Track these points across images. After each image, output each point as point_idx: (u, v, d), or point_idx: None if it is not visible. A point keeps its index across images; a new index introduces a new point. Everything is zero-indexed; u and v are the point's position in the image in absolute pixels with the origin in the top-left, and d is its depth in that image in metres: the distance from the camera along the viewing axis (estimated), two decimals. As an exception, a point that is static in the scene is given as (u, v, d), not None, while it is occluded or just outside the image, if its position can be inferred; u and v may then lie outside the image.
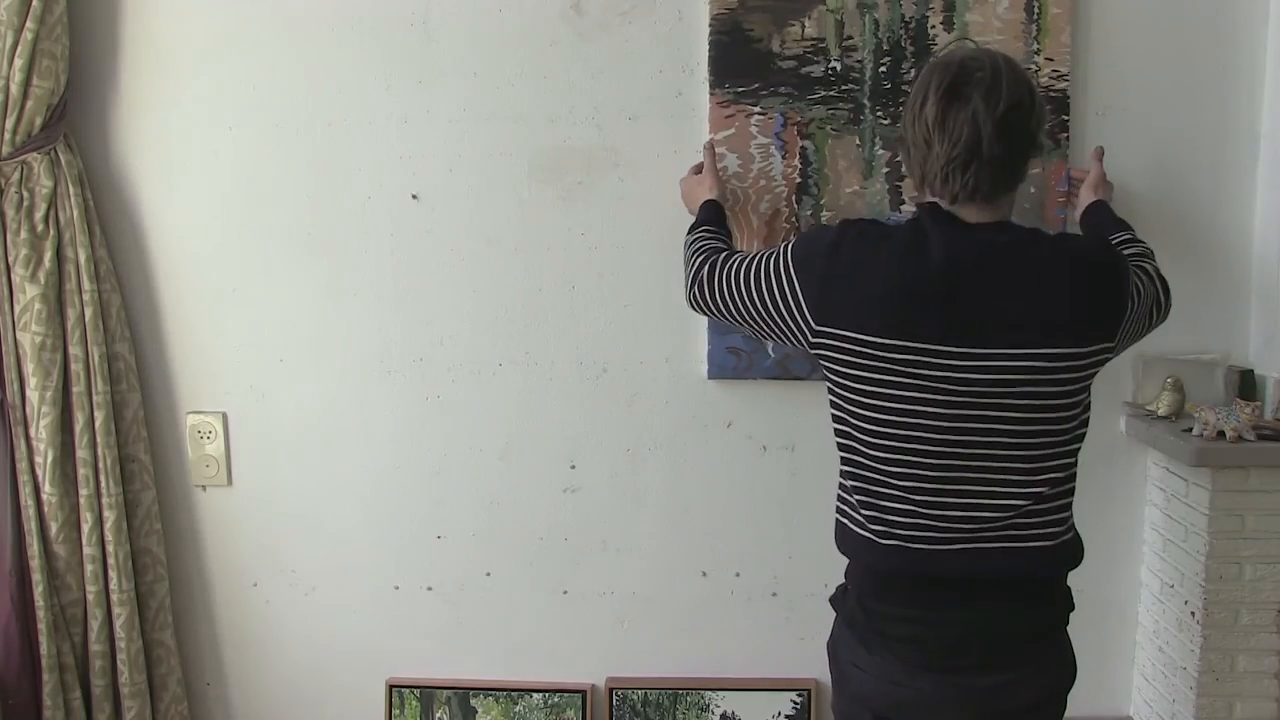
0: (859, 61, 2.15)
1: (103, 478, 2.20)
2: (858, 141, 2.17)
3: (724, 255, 1.71)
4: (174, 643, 2.35)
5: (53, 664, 2.19)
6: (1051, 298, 1.47)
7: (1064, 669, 1.57)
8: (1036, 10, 2.12)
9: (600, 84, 2.21)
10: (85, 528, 2.21)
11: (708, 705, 2.33)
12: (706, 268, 1.70)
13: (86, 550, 2.21)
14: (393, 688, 2.38)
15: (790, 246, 1.55)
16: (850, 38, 2.15)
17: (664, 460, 2.30)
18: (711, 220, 1.90)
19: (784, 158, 2.18)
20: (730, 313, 1.67)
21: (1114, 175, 2.18)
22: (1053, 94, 2.13)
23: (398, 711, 2.38)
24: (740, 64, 2.16)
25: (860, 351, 1.46)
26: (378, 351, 2.31)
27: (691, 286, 1.75)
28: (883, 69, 2.15)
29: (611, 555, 2.35)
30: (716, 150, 2.15)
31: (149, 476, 2.30)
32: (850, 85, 2.16)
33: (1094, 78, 2.16)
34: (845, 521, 1.58)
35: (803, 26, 2.15)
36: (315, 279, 2.30)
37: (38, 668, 2.19)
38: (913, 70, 2.14)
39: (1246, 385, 2.12)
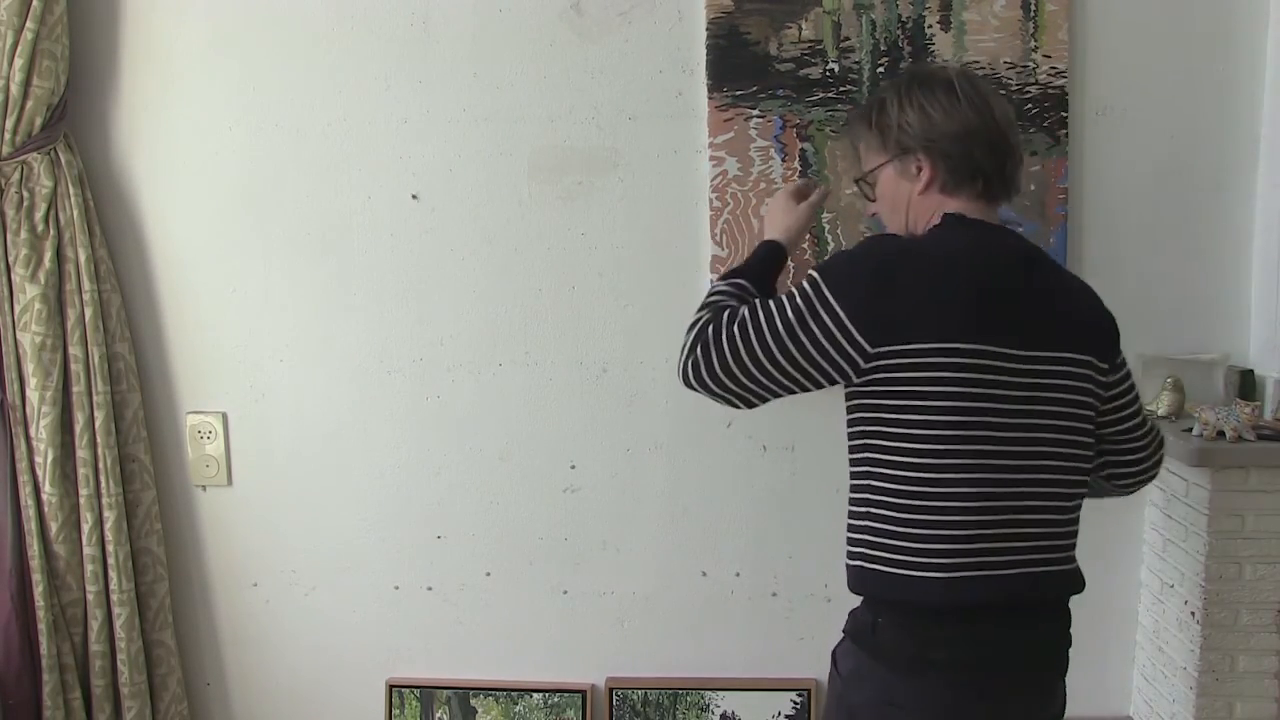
0: (857, 63, 2.15)
1: (103, 478, 2.21)
2: (857, 141, 2.17)
3: (729, 313, 1.44)
4: (174, 643, 2.36)
5: (53, 664, 2.19)
6: (1087, 304, 1.51)
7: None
8: (1034, 8, 2.12)
9: (600, 84, 2.21)
10: (85, 528, 2.21)
11: (708, 705, 2.33)
12: (710, 330, 1.43)
13: (86, 550, 2.22)
14: (393, 688, 2.38)
15: (819, 277, 1.40)
16: (847, 39, 2.15)
17: (664, 460, 2.30)
18: (753, 274, 1.59)
19: (783, 160, 2.18)
20: (745, 378, 1.41)
21: (1113, 175, 2.18)
22: (1050, 91, 2.13)
23: (398, 711, 2.38)
24: (738, 67, 2.16)
25: (932, 363, 1.34)
26: (378, 351, 2.31)
27: (689, 355, 1.45)
28: (881, 70, 2.15)
29: (611, 555, 2.35)
30: (714, 155, 2.15)
31: (149, 476, 2.31)
32: (848, 87, 2.16)
33: (1092, 76, 2.16)
34: (880, 568, 1.40)
35: (800, 29, 2.15)
36: (315, 279, 2.30)
37: (38, 668, 2.19)
38: (912, 70, 2.14)
39: (1246, 385, 2.12)
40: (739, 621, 2.35)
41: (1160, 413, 2.14)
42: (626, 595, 2.36)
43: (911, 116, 1.46)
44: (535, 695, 2.35)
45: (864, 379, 1.39)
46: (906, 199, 1.50)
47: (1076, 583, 1.47)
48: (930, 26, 2.14)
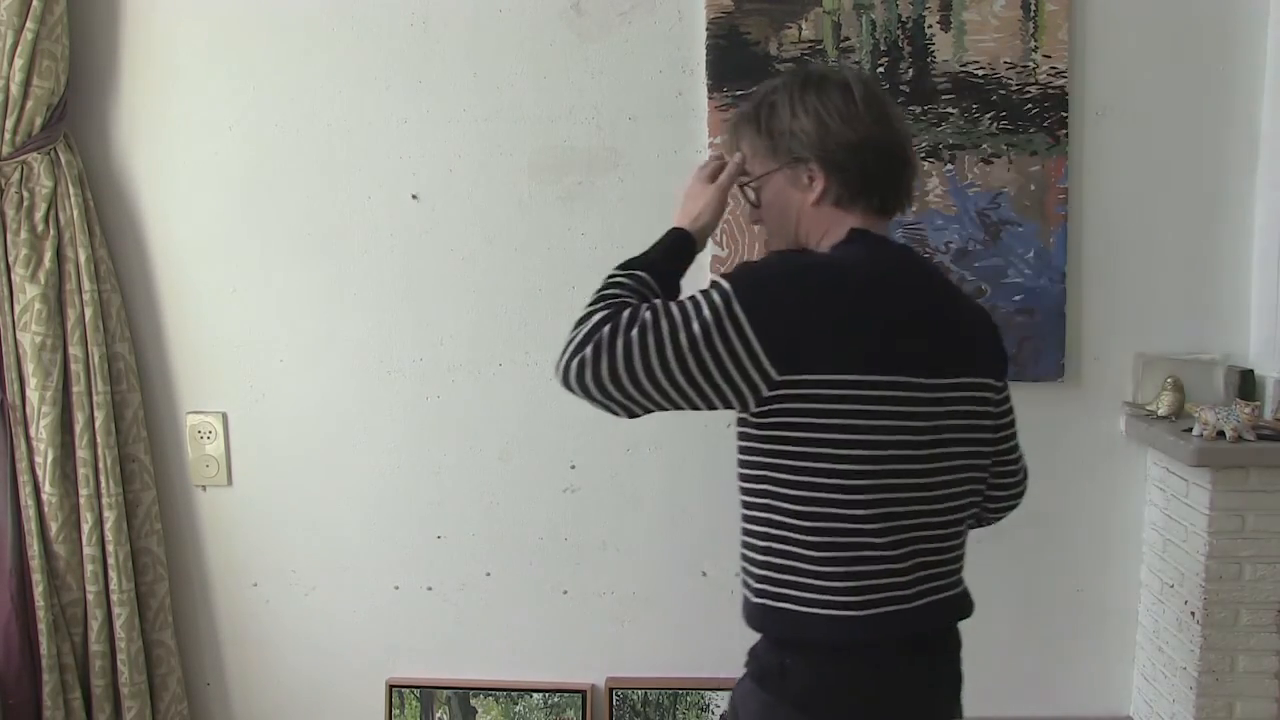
0: (857, 63, 2.15)
1: (103, 478, 2.21)
2: (857, 141, 2.17)
3: (630, 313, 1.26)
4: (174, 643, 2.36)
5: (53, 664, 2.19)
6: (983, 323, 1.45)
7: None
8: (1034, 8, 2.12)
9: (600, 84, 2.21)
10: (85, 528, 2.21)
11: (708, 705, 2.33)
12: (606, 330, 1.25)
13: (86, 550, 2.22)
14: (393, 688, 2.38)
15: (730, 289, 1.25)
16: (847, 39, 2.15)
17: (664, 460, 2.30)
18: (657, 267, 1.39)
19: (783, 158, 2.17)
20: (634, 388, 1.24)
21: (1113, 174, 2.18)
22: (1050, 91, 2.13)
23: (398, 711, 2.38)
24: (738, 67, 2.16)
25: (843, 395, 1.24)
26: (378, 351, 2.31)
27: (575, 353, 1.25)
28: (880, 70, 2.15)
29: (611, 555, 2.35)
30: (714, 155, 2.14)
31: (149, 476, 2.31)
32: (849, 85, 2.16)
33: (1092, 76, 2.16)
34: (791, 606, 1.30)
35: (800, 29, 2.15)
36: (315, 279, 2.30)
37: (38, 668, 2.19)
38: (910, 70, 2.14)
39: (1246, 385, 2.12)
40: (739, 621, 2.33)
41: (1160, 413, 2.14)
42: (626, 595, 2.36)
43: (806, 123, 1.35)
44: (535, 695, 2.35)
45: (764, 408, 1.26)
46: (796, 211, 1.39)
47: (968, 607, 1.40)
48: (930, 26, 2.14)
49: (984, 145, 2.16)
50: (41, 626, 2.18)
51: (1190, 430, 2.02)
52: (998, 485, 1.51)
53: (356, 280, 2.29)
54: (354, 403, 2.33)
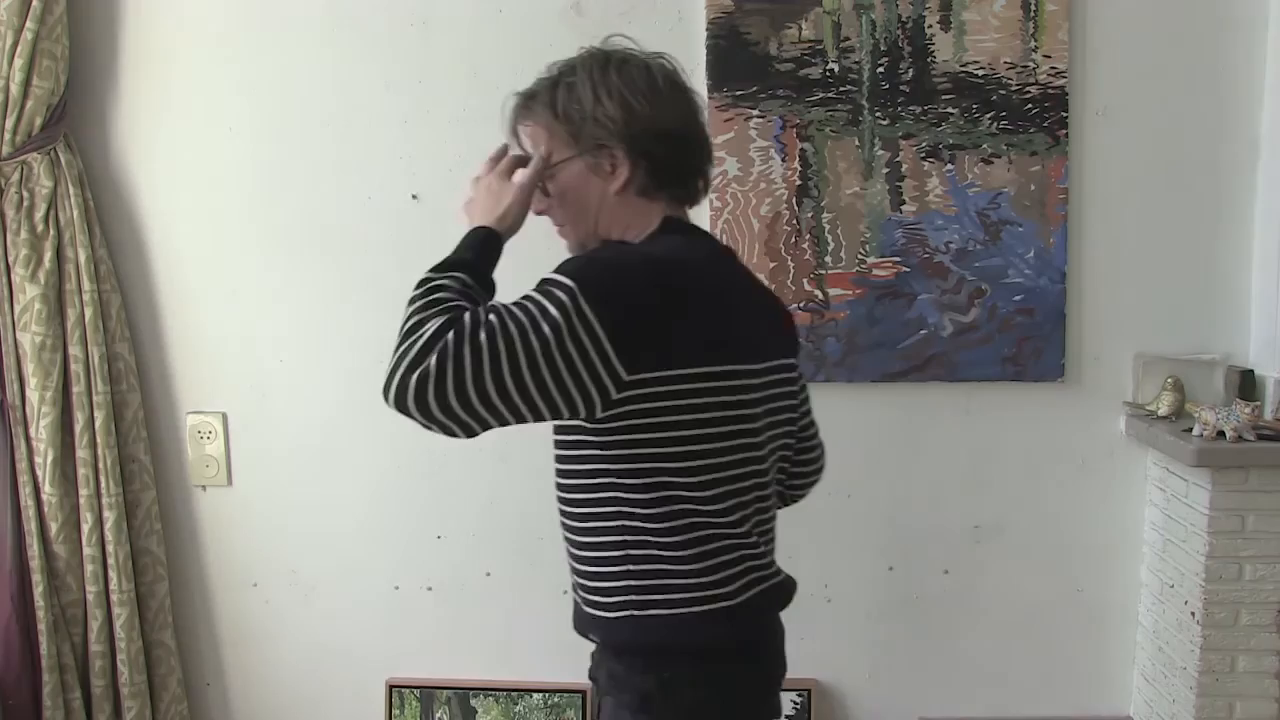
0: (857, 63, 2.15)
1: (103, 478, 2.21)
2: (857, 143, 2.17)
3: (471, 319, 1.14)
4: (174, 643, 2.36)
5: (53, 664, 2.19)
6: (778, 304, 1.48)
7: None
8: (1034, 8, 2.12)
9: (600, 84, 2.21)
10: (85, 528, 2.21)
11: (707, 705, 2.32)
12: (451, 340, 1.12)
13: (86, 550, 2.22)
14: (393, 688, 2.38)
15: (576, 287, 1.15)
16: (847, 39, 2.15)
17: (664, 460, 2.30)
18: (475, 268, 1.28)
19: (784, 160, 2.18)
20: (481, 403, 1.12)
21: (1113, 174, 2.18)
22: (1050, 91, 2.13)
23: (398, 711, 2.38)
24: (738, 67, 2.16)
25: (691, 389, 1.21)
26: (378, 351, 2.28)
27: (415, 368, 1.12)
28: (880, 70, 2.15)
29: (611, 555, 2.34)
30: (714, 155, 2.14)
31: (149, 477, 2.31)
32: (848, 87, 2.16)
33: (1092, 76, 2.16)
34: (661, 611, 1.25)
35: (800, 29, 2.15)
36: (315, 279, 2.30)
37: (38, 668, 2.19)
38: (910, 70, 2.14)
39: (1246, 385, 2.12)
40: (739, 621, 2.34)
41: (1160, 413, 2.14)
42: (626, 595, 2.35)
43: (611, 108, 1.27)
44: (535, 695, 2.35)
45: (609, 412, 1.19)
46: (597, 200, 1.32)
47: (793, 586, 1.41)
48: (930, 26, 2.14)
49: (984, 145, 2.16)
50: (41, 627, 2.18)
51: (1190, 430, 2.02)
52: (802, 462, 1.53)
53: (357, 280, 2.29)
54: (354, 403, 2.33)
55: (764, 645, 1.36)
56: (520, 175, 1.34)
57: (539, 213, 1.38)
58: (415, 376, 1.11)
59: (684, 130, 1.32)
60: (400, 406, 1.13)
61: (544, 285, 1.17)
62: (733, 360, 1.25)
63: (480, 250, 1.30)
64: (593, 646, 1.38)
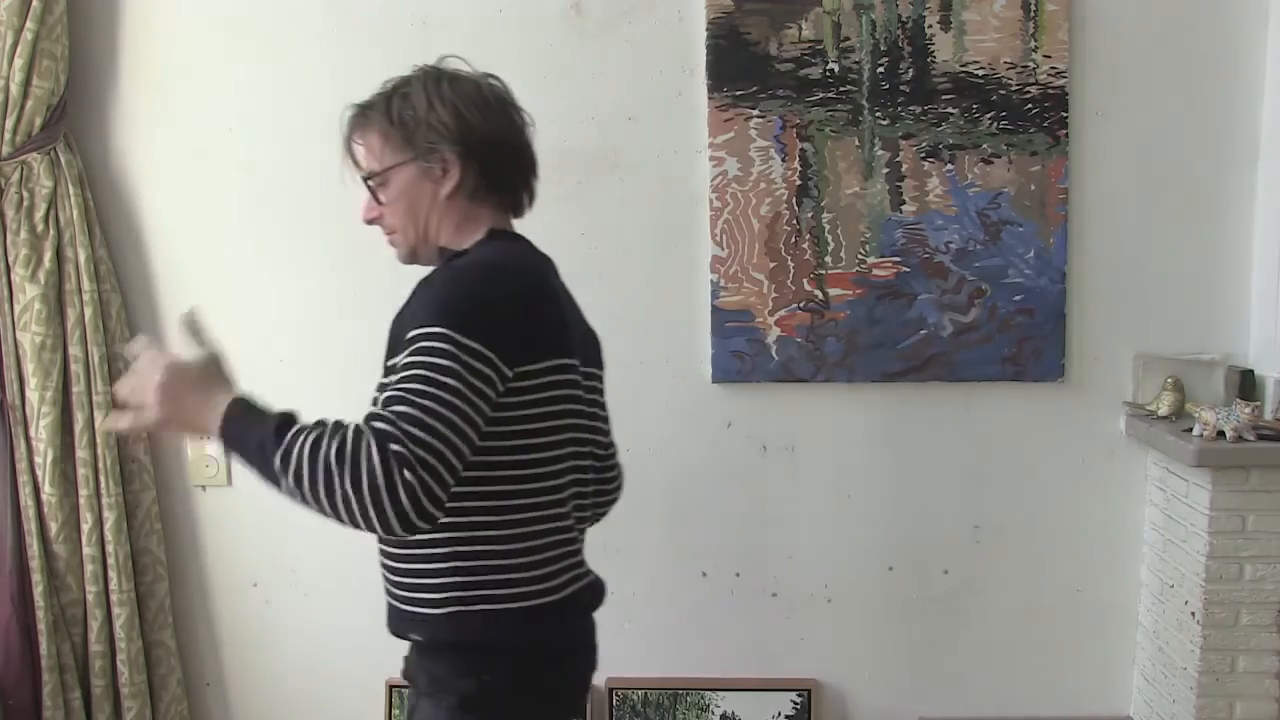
0: (857, 63, 2.15)
1: (103, 478, 2.20)
2: (857, 143, 2.17)
3: (388, 425, 1.14)
4: (174, 643, 2.35)
5: (53, 664, 2.19)
6: (583, 316, 1.52)
7: None
8: (1034, 8, 2.12)
9: (600, 84, 2.21)
10: (85, 528, 2.21)
11: (708, 705, 2.33)
12: (403, 449, 1.12)
13: (86, 550, 2.22)
14: (393, 688, 2.38)
15: (449, 331, 1.19)
16: (847, 39, 2.15)
17: (664, 460, 2.30)
18: (283, 418, 1.27)
19: (784, 160, 2.18)
20: (462, 463, 1.17)
21: (1113, 174, 2.18)
22: (1050, 91, 2.13)
23: (397, 711, 2.38)
24: (738, 67, 2.16)
25: (537, 384, 1.28)
26: (378, 351, 2.30)
27: (399, 488, 1.11)
28: (880, 70, 2.15)
29: (611, 555, 2.33)
30: (714, 155, 2.16)
31: (149, 477, 2.30)
32: (848, 87, 2.16)
33: (1092, 76, 2.16)
34: (489, 606, 1.28)
35: (800, 29, 2.15)
36: (315, 279, 2.30)
37: (38, 668, 2.19)
38: (910, 70, 2.14)
39: (1246, 385, 2.12)
40: (739, 621, 2.35)
41: (1160, 413, 2.14)
42: (626, 595, 2.35)
43: (444, 114, 1.34)
44: (535, 695, 2.35)
45: (501, 403, 1.25)
46: (429, 203, 1.38)
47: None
48: (930, 26, 2.14)
49: (984, 145, 2.16)
50: (41, 627, 2.18)
51: (1190, 430, 2.02)
52: (605, 480, 1.55)
53: (356, 280, 2.29)
54: (354, 403, 2.32)
55: (580, 645, 1.42)
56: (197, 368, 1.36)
57: (370, 221, 1.45)
58: (404, 494, 1.11)
59: (512, 141, 1.40)
60: (407, 526, 1.13)
61: (418, 345, 1.20)
62: (571, 355, 1.34)
63: (257, 418, 1.28)
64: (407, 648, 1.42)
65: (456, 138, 1.34)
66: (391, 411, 1.15)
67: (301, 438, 1.16)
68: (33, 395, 2.16)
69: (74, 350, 2.18)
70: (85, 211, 2.18)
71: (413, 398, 1.15)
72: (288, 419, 1.23)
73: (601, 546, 2.32)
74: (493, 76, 1.44)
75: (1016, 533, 2.29)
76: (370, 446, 1.11)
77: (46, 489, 2.18)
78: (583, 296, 2.27)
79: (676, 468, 2.30)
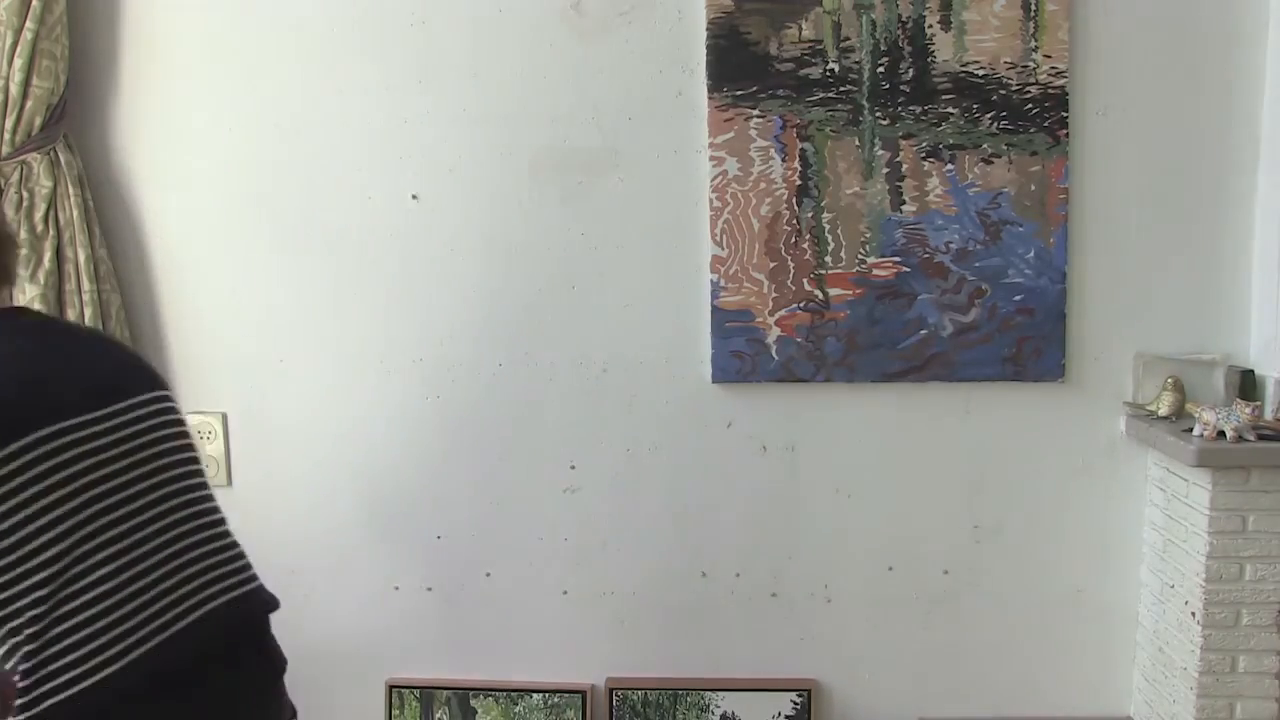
0: (857, 63, 2.15)
1: (103, 478, 2.20)
2: (857, 143, 2.17)
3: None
4: (174, 643, 2.35)
5: (53, 664, 2.19)
6: (115, 351, 1.53)
7: None
8: (1034, 8, 2.12)
9: (600, 84, 2.21)
10: (85, 528, 2.21)
11: (708, 705, 2.33)
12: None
13: (86, 550, 2.21)
14: (393, 688, 2.38)
15: None
16: (848, 39, 2.15)
17: (664, 460, 2.30)
18: None
19: (784, 160, 2.18)
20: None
21: (1113, 174, 2.18)
22: (1050, 91, 2.13)
23: (398, 711, 2.38)
24: (738, 67, 2.16)
25: (28, 461, 1.23)
26: (378, 351, 2.31)
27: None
28: (881, 70, 2.15)
29: (611, 555, 2.35)
30: (714, 155, 2.16)
31: (149, 476, 2.30)
32: (849, 87, 2.16)
33: (1093, 76, 2.16)
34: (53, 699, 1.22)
35: (800, 29, 2.15)
36: (315, 279, 2.30)
37: (38, 668, 2.18)
38: (910, 70, 2.14)
39: (1246, 385, 2.12)
40: (739, 621, 2.35)
41: (1160, 413, 2.14)
42: (626, 595, 2.36)
43: None
44: (535, 695, 2.35)
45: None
46: None
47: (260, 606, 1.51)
48: (930, 26, 2.14)
49: (984, 145, 2.16)
50: (41, 627, 2.18)
51: (1190, 430, 2.02)
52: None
53: (356, 280, 2.29)
54: (354, 403, 2.33)
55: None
56: None
57: None
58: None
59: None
60: None
61: None
62: (53, 421, 1.27)
63: None
64: None
65: None
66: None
67: None
68: (33, 395, 2.16)
69: (74, 350, 2.18)
70: (85, 211, 2.18)
71: None
72: None
73: (601, 546, 2.34)
74: None
75: (1016, 533, 2.29)
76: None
77: (46, 489, 2.18)
78: (582, 296, 2.29)
79: (676, 468, 2.30)
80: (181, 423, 1.45)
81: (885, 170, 2.17)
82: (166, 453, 1.39)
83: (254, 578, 1.55)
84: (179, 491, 1.39)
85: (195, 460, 1.45)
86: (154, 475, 1.36)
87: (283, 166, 2.27)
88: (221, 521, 1.48)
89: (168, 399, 1.43)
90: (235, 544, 1.51)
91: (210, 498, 1.46)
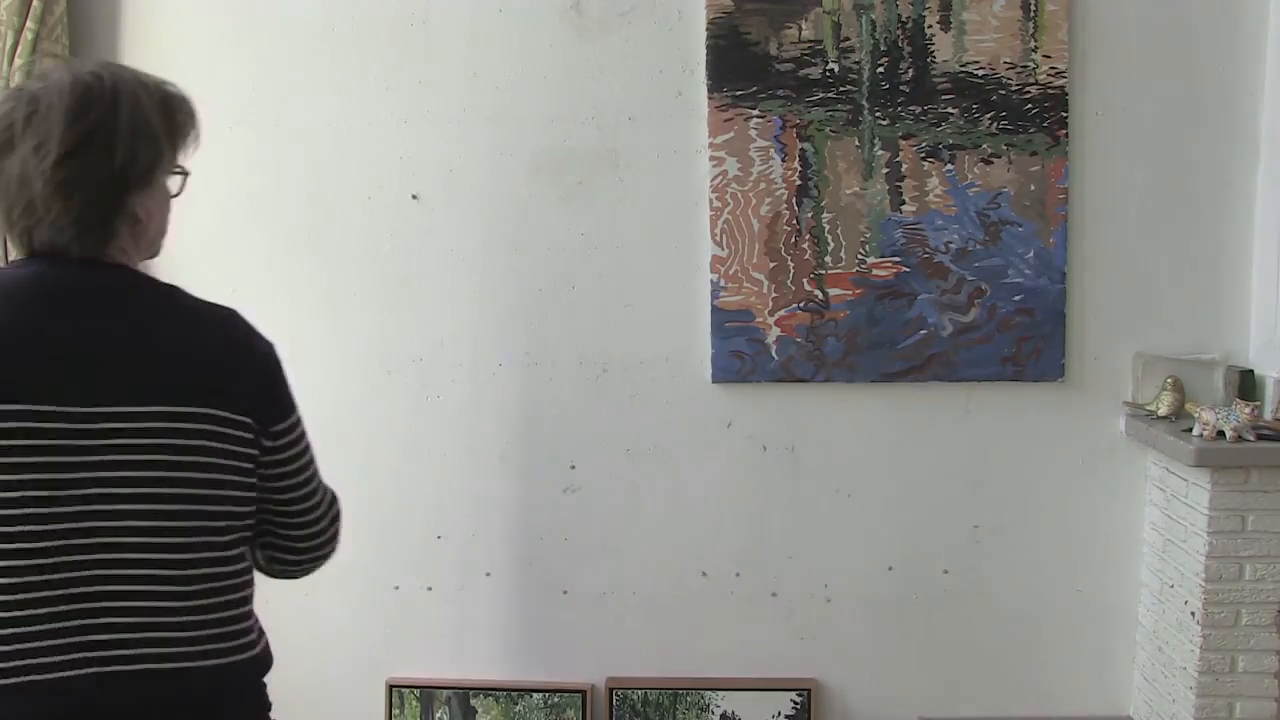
0: (857, 63, 2.15)
1: (103, 478, 2.20)
2: (857, 143, 2.17)
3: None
4: (174, 643, 2.35)
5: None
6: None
7: None
8: (1034, 8, 2.12)
9: (600, 84, 2.21)
10: (85, 528, 2.20)
11: (708, 705, 2.33)
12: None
13: (86, 550, 2.21)
14: (393, 688, 2.38)
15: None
16: (847, 39, 2.15)
17: (664, 460, 2.30)
18: None
19: (783, 160, 2.18)
20: None
21: (1113, 174, 2.18)
22: (1050, 91, 2.13)
23: (398, 711, 2.38)
24: (738, 67, 2.16)
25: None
26: (378, 351, 2.31)
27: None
28: (880, 70, 2.15)
29: (611, 555, 2.35)
30: (714, 155, 2.16)
31: (149, 476, 2.30)
32: (848, 87, 2.16)
33: (1093, 76, 2.16)
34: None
35: (800, 29, 2.15)
36: (315, 279, 2.30)
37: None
38: (910, 70, 2.14)
39: (1246, 385, 2.12)
40: (739, 621, 2.35)
41: (1160, 413, 2.14)
42: (626, 595, 2.36)
43: None
44: (535, 695, 2.35)
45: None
46: None
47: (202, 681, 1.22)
48: (930, 26, 2.14)
49: (984, 145, 2.16)
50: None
51: (1190, 430, 2.02)
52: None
53: (356, 280, 2.29)
54: (354, 403, 2.33)
55: None
56: None
57: None
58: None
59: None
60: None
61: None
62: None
63: None
64: None
65: None
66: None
67: None
68: (33, 395, 2.16)
69: (74, 350, 2.18)
70: (85, 211, 2.18)
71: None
72: None
73: (601, 546, 2.34)
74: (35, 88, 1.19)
75: (1016, 533, 2.29)
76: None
77: (46, 489, 2.17)
78: (582, 296, 2.29)
79: (676, 468, 2.30)
80: (210, 450, 1.21)
81: (885, 170, 2.17)
82: (151, 481, 1.18)
83: (200, 656, 1.24)
84: (149, 516, 1.17)
85: (207, 498, 1.21)
86: (117, 486, 1.17)
87: (283, 166, 2.27)
88: (208, 578, 1.25)
89: (208, 418, 1.21)
90: (210, 615, 1.25)
91: (218, 545, 1.25)
